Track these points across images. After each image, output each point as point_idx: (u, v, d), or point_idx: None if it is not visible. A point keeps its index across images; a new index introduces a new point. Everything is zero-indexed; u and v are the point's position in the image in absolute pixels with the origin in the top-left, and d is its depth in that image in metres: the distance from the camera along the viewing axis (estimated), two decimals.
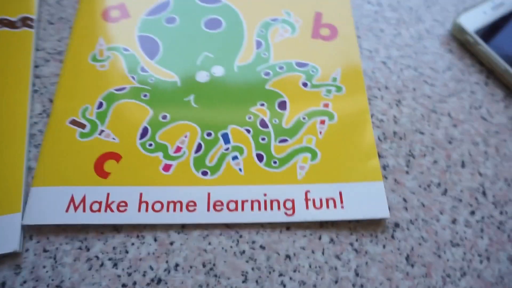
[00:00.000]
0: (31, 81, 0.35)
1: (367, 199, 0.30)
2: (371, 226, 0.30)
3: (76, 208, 0.28)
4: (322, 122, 0.33)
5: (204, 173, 0.30)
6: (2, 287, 0.27)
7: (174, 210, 0.28)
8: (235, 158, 0.31)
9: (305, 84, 0.34)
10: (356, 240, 0.29)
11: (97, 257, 0.28)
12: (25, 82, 0.34)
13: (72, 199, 0.28)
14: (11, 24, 0.37)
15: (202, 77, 0.34)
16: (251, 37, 0.36)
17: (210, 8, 0.38)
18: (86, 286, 0.27)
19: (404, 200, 0.31)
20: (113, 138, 0.31)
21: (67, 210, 0.28)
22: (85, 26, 0.36)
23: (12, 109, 0.33)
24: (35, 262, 0.28)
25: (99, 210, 0.28)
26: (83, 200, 0.28)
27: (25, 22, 0.37)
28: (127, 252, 0.28)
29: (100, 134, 0.31)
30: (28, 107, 0.33)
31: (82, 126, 0.31)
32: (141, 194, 0.29)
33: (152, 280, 0.27)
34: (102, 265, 0.27)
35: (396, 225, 0.30)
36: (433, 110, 0.35)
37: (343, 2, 0.39)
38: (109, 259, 0.28)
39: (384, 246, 0.29)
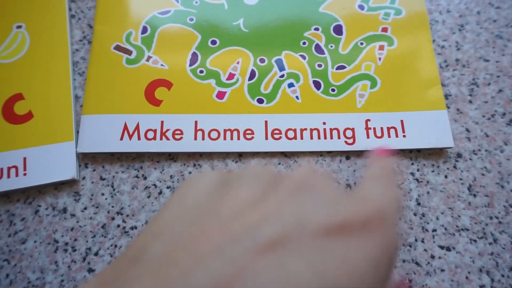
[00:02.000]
0: (67, 6, 0.33)
1: (429, 128, 0.28)
2: (432, 156, 0.29)
3: (130, 136, 0.27)
4: (381, 47, 0.30)
5: (260, 101, 0.29)
6: (64, 212, 0.27)
7: (231, 138, 0.27)
8: (291, 85, 0.29)
9: (361, 7, 0.32)
10: (418, 170, 0.28)
11: (155, 185, 0.28)
12: (62, 6, 0.32)
13: (125, 127, 0.28)
14: None
15: None
16: None
17: None
18: (146, 213, 0.27)
19: (467, 130, 0.30)
20: (162, 65, 0.30)
21: (121, 138, 0.27)
22: None
23: (53, 36, 0.31)
24: (93, 189, 0.28)
25: (154, 138, 0.27)
26: (137, 128, 0.28)
27: None
28: (184, 180, 0.28)
29: (147, 60, 0.30)
30: (68, 34, 0.32)
31: (128, 52, 0.30)
32: (196, 122, 0.28)
33: None
34: (160, 193, 0.27)
35: (459, 155, 0.29)
36: (499, 35, 0.33)
37: None
38: (167, 187, 0.27)
39: (446, 176, 0.28)
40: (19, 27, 0.31)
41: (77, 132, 0.29)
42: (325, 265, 0.11)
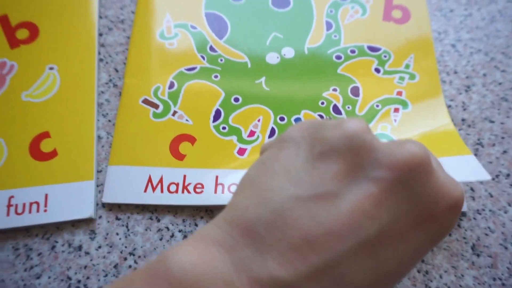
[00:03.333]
0: (97, 50, 0.35)
1: None
2: None
3: (154, 189, 0.29)
4: (396, 110, 0.32)
5: None
6: (79, 250, 0.28)
7: None
8: None
9: (377, 70, 0.34)
10: None
11: (168, 228, 0.29)
12: (92, 50, 0.35)
13: (150, 180, 0.29)
14: None
15: (272, 58, 0.34)
16: (320, 17, 0.35)
17: None
18: (158, 255, 0.28)
19: (472, 189, 0.31)
20: (187, 120, 0.31)
21: (145, 190, 0.29)
22: (150, 1, 0.36)
23: (81, 77, 0.34)
24: (108, 228, 0.29)
25: (176, 191, 0.29)
26: (161, 181, 0.29)
27: None
28: (196, 225, 0.29)
29: (173, 115, 0.31)
30: (96, 77, 0.34)
31: (155, 106, 0.32)
32: (217, 177, 0.29)
33: None
34: (172, 236, 0.28)
35: (463, 214, 0.30)
36: (504, 97, 0.34)
37: None
38: (179, 231, 0.29)
39: (450, 234, 0.29)
40: (51, 68, 0.34)
41: (98, 171, 0.30)
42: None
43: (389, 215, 0.15)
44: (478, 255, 0.28)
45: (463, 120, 0.33)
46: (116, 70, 0.35)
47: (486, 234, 0.29)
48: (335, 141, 0.16)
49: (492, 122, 0.33)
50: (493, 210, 0.30)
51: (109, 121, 0.33)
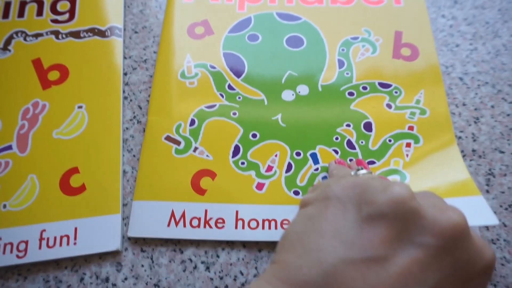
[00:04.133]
0: (122, 88, 0.37)
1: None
2: None
3: (177, 223, 0.30)
4: (408, 145, 0.33)
5: (296, 193, 0.31)
6: (106, 282, 0.29)
7: (269, 227, 0.30)
8: (325, 178, 0.32)
9: (389, 106, 0.35)
10: None
11: (191, 260, 0.30)
12: (117, 89, 0.37)
13: (172, 214, 0.30)
14: (101, 33, 0.40)
15: (287, 95, 0.35)
16: (332, 55, 0.37)
17: (291, 25, 0.39)
18: (182, 286, 0.29)
19: None
20: (207, 156, 0.33)
21: (168, 225, 0.30)
22: (171, 42, 0.39)
23: (107, 115, 0.36)
24: (134, 261, 0.30)
25: (198, 225, 0.30)
26: (183, 215, 0.30)
27: (113, 31, 0.40)
28: (218, 256, 0.30)
29: (194, 151, 0.33)
30: (121, 114, 0.36)
31: (177, 142, 0.34)
32: (237, 212, 0.30)
33: (243, 284, 0.29)
34: (195, 267, 0.30)
35: None
36: None
37: (423, 21, 0.40)
38: (202, 262, 0.30)
39: None
40: (80, 107, 0.36)
41: (123, 205, 0.32)
42: None
43: (433, 278, 0.17)
44: (495, 286, 0.29)
45: (473, 150, 0.34)
46: (140, 108, 0.37)
47: (502, 264, 0.30)
48: (383, 206, 0.17)
49: (502, 152, 0.34)
50: (507, 240, 0.30)
51: (134, 156, 0.34)
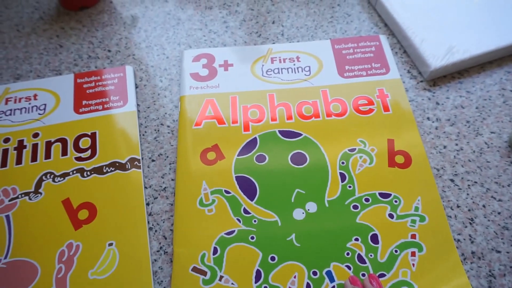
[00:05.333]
0: (146, 220, 0.41)
1: None
2: None
3: None
4: (413, 254, 0.37)
5: None
6: None
7: None
8: None
9: (391, 216, 0.39)
10: None
11: None
12: (143, 221, 0.40)
13: None
14: (122, 167, 0.43)
15: (298, 214, 0.39)
16: (334, 169, 0.41)
17: (293, 142, 0.43)
18: None
19: None
20: (232, 283, 0.36)
21: None
22: (187, 170, 0.42)
23: (136, 249, 0.39)
24: None
25: None
26: None
27: (133, 163, 0.44)
28: None
29: (220, 280, 0.36)
30: (148, 246, 0.39)
31: (204, 273, 0.37)
32: None
33: None
34: None
35: None
36: (505, 226, 0.39)
37: (411, 126, 0.44)
38: None
39: None
40: (110, 244, 0.39)
41: None
42: None
43: None
44: None
45: (472, 253, 0.38)
46: (165, 237, 0.40)
47: None
48: None
49: (498, 252, 0.37)
50: None
51: None
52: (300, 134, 0.44)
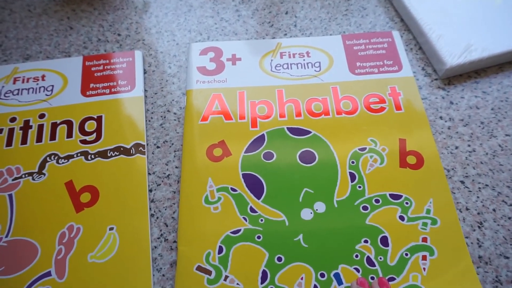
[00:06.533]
0: (148, 206, 0.40)
1: None
2: None
3: None
4: (424, 257, 0.36)
5: None
6: None
7: None
8: None
9: (402, 218, 0.38)
10: None
11: None
12: (144, 207, 0.40)
13: None
14: (126, 152, 0.43)
15: (306, 214, 0.38)
16: (344, 169, 0.40)
17: (302, 140, 0.42)
18: None
19: None
20: (237, 284, 0.35)
21: None
22: (193, 166, 0.41)
23: (137, 235, 0.38)
24: None
25: None
26: None
27: (138, 148, 0.43)
28: None
29: (225, 280, 0.35)
30: (149, 232, 0.39)
31: (208, 272, 0.36)
32: None
33: None
34: None
35: None
36: None
37: (423, 125, 0.43)
38: None
39: None
40: (111, 228, 0.39)
41: None
42: None
43: None
44: None
45: (480, 257, 0.36)
46: (166, 225, 0.40)
47: None
48: None
49: (507, 258, 0.36)
50: None
51: (163, 275, 0.37)
52: (309, 132, 0.43)
